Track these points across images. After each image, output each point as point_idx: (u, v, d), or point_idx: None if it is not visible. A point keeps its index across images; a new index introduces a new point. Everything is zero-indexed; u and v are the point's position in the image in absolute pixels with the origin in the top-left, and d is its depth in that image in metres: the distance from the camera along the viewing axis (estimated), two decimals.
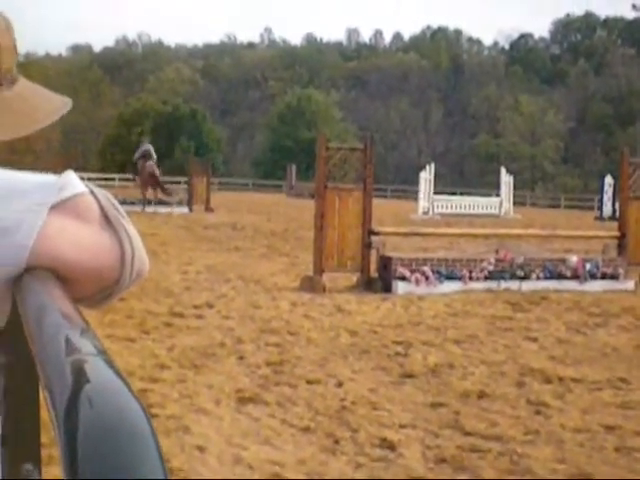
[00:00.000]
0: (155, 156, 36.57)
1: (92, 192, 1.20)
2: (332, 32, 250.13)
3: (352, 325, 10.43)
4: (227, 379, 7.47)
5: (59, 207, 1.15)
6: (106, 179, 57.83)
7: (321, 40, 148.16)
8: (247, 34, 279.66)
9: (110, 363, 0.65)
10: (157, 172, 35.38)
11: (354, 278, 14.15)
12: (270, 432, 6.01)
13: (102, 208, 1.19)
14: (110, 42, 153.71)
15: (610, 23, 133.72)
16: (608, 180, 49.36)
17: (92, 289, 1.20)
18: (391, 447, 5.75)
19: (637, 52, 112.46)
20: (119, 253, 1.18)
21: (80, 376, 0.62)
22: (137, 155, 37.53)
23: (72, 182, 1.19)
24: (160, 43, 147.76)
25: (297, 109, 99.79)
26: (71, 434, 0.56)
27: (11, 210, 1.12)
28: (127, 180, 63.62)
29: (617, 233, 15.93)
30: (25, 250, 1.10)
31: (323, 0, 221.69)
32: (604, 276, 14.92)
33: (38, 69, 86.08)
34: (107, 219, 1.19)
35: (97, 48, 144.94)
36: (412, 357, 8.65)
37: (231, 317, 10.76)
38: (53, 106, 1.52)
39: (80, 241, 1.15)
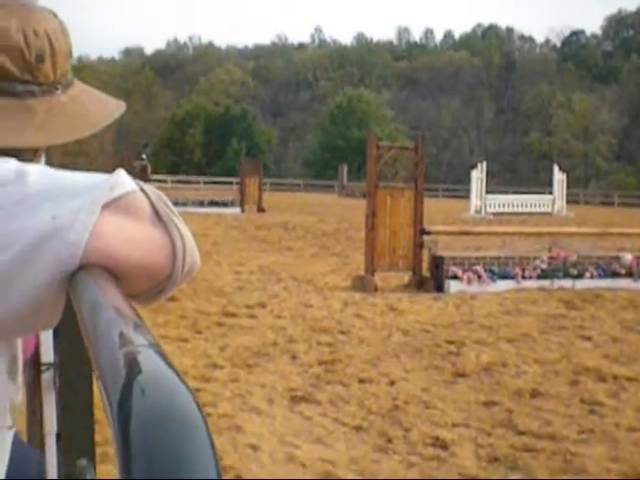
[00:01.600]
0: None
1: (143, 190, 1.23)
2: (382, 31, 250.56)
3: (404, 324, 10.42)
4: (279, 378, 7.50)
5: (111, 205, 1.17)
6: (159, 180, 58.23)
7: (371, 39, 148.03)
8: (297, 34, 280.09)
9: (162, 354, 0.67)
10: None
11: (406, 277, 14.14)
12: (322, 431, 6.03)
13: (153, 205, 1.21)
14: (161, 45, 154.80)
15: None
16: None
17: (145, 285, 1.22)
18: (443, 446, 5.74)
19: None
20: (171, 249, 1.20)
21: (133, 367, 0.64)
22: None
23: (123, 181, 1.21)
24: (211, 45, 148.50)
25: (348, 109, 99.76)
26: (125, 423, 0.57)
27: (64, 209, 1.14)
28: (180, 182, 64.23)
29: None
30: (79, 248, 1.12)
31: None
32: None
33: (91, 73, 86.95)
34: (158, 216, 1.21)
35: (149, 51, 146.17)
36: (465, 356, 8.62)
37: (283, 317, 10.79)
38: (107, 110, 1.55)
39: (132, 238, 1.17)
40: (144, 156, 50.34)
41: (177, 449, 0.54)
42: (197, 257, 1.27)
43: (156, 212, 1.21)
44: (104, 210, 1.16)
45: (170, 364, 0.64)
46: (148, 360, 0.65)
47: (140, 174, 41.85)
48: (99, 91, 1.60)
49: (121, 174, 1.22)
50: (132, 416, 0.57)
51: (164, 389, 0.60)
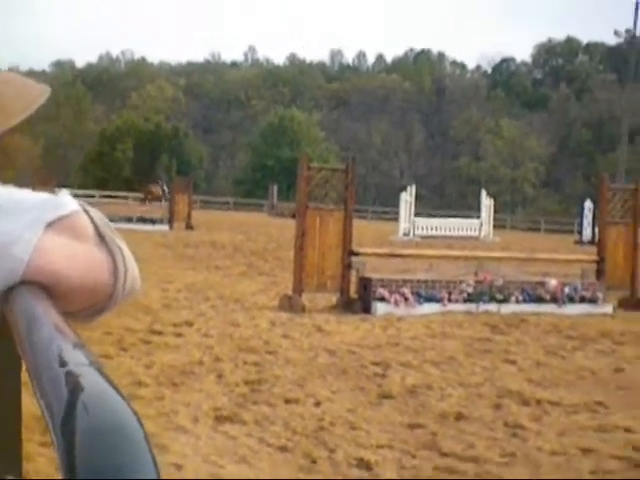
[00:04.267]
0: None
1: (86, 211, 1.24)
2: (316, 53, 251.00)
3: (331, 345, 10.44)
4: (205, 397, 7.47)
5: (55, 224, 1.18)
6: (86, 196, 57.76)
7: (304, 60, 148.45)
8: (231, 53, 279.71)
9: (103, 372, 0.68)
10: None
11: (334, 298, 14.18)
12: (247, 451, 6.01)
13: (95, 225, 1.23)
14: (93, 58, 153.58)
15: (592, 48, 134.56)
16: (588, 204, 49.67)
17: (86, 303, 1.23)
18: (368, 467, 5.77)
19: (618, 78, 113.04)
20: (112, 268, 1.22)
21: (75, 385, 0.65)
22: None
23: (67, 201, 1.22)
24: (143, 60, 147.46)
25: (279, 129, 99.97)
26: (69, 439, 0.59)
27: (10, 225, 1.15)
28: (108, 197, 63.71)
29: (596, 257, 16.04)
30: (22, 263, 1.13)
31: (307, 21, 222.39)
32: (583, 300, 15.01)
33: None
34: (101, 237, 1.22)
35: (80, 64, 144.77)
36: (390, 378, 8.67)
37: (210, 335, 10.76)
38: (29, 98, 1.53)
39: (75, 256, 1.18)
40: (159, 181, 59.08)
41: (120, 463, 0.55)
42: (138, 278, 1.28)
43: (98, 232, 1.22)
44: (48, 228, 1.17)
45: (111, 382, 0.66)
46: (89, 378, 0.67)
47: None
48: (23, 77, 1.57)
49: (65, 194, 1.23)
50: (76, 433, 0.59)
51: (106, 406, 0.61)
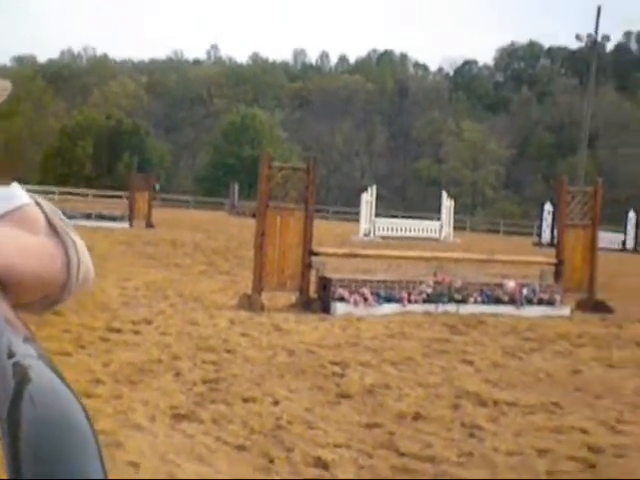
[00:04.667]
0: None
1: (38, 203, 1.23)
2: (279, 52, 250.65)
3: (290, 344, 10.44)
4: (163, 395, 7.44)
5: (6, 217, 1.17)
6: (45, 192, 57.34)
7: (267, 59, 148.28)
8: (194, 51, 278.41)
9: (51, 366, 0.68)
10: None
11: (293, 298, 14.18)
12: (204, 449, 6.00)
13: (47, 217, 1.22)
14: (55, 54, 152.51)
15: (554, 52, 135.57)
16: (547, 207, 50.12)
17: (38, 295, 1.22)
18: (325, 467, 5.77)
19: (580, 82, 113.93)
20: (65, 259, 1.21)
21: (22, 377, 0.65)
22: None
23: (18, 194, 1.22)
24: (105, 56, 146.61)
25: (241, 127, 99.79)
26: (15, 430, 0.58)
27: None
28: (68, 194, 63.30)
29: (554, 260, 16.14)
30: None
31: (271, 19, 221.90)
32: (541, 301, 15.10)
33: None
34: (52, 228, 1.22)
35: (42, 59, 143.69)
36: (349, 377, 8.68)
37: (168, 334, 10.72)
38: None
39: (27, 248, 1.17)
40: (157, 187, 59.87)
41: (65, 454, 0.55)
42: (91, 268, 1.28)
43: (50, 224, 1.22)
44: None
45: (59, 375, 0.65)
46: (37, 370, 0.66)
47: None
48: None
49: (16, 187, 1.23)
50: (22, 424, 0.58)
51: (53, 398, 0.61)
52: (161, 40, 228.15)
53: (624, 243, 50.77)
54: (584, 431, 7.07)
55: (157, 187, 66.82)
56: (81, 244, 1.26)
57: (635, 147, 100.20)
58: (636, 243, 51.72)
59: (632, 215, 51.97)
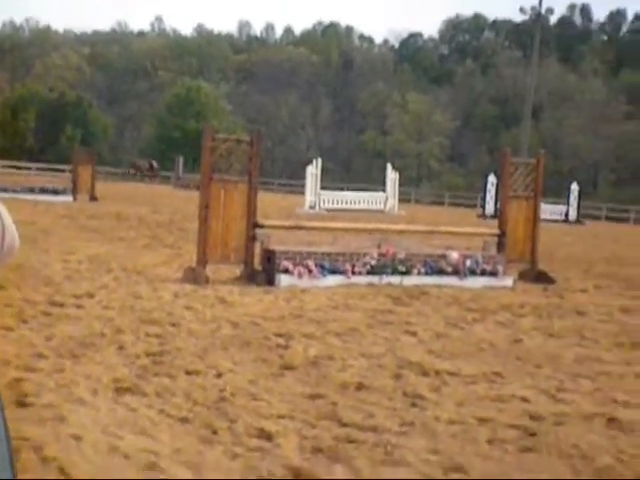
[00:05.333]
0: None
1: None
2: (223, 24, 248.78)
3: (234, 317, 10.43)
4: (106, 369, 7.40)
5: None
6: None
7: (212, 31, 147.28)
8: (138, 22, 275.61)
9: None
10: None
11: (238, 270, 14.16)
12: (147, 422, 5.98)
13: None
14: None
15: (498, 25, 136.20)
16: (491, 179, 50.50)
17: None
18: (268, 438, 5.78)
19: (524, 54, 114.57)
20: None
21: None
22: None
23: None
24: (48, 28, 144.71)
25: (186, 100, 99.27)
26: None
27: None
28: (10, 167, 62.55)
29: (497, 231, 16.26)
30: None
31: None
32: (484, 272, 15.22)
33: None
34: None
35: None
36: (292, 349, 8.70)
37: (112, 307, 10.65)
38: None
39: None
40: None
41: None
42: (16, 236, 1.27)
43: None
44: None
45: None
46: None
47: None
48: None
49: None
50: None
51: None
52: (104, 11, 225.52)
53: (567, 214, 51.33)
54: (525, 400, 7.15)
55: (155, 165, 68.97)
56: (5, 213, 1.25)
57: (578, 119, 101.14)
58: (578, 214, 52.33)
59: (574, 187, 52.54)
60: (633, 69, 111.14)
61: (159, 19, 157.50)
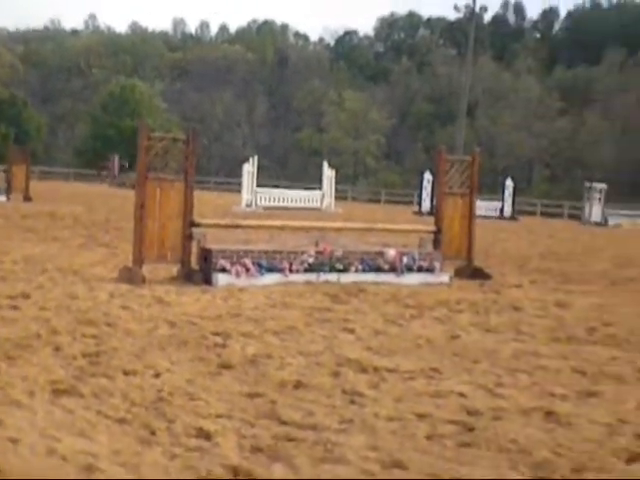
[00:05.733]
0: None
1: None
2: (158, 21, 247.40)
3: (171, 316, 10.38)
4: (42, 371, 7.32)
5: None
6: None
7: (147, 29, 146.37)
8: (72, 20, 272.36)
9: None
10: None
11: (174, 270, 14.10)
12: (85, 424, 5.93)
13: None
14: None
15: (433, 23, 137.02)
16: (427, 176, 50.92)
17: None
18: (207, 437, 5.76)
19: (458, 52, 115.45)
20: None
21: None
22: None
23: None
24: None
25: (120, 98, 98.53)
26: None
27: None
28: None
29: (433, 228, 16.37)
30: None
31: None
32: (420, 269, 15.32)
33: None
34: None
35: None
36: (230, 348, 8.68)
37: (47, 308, 10.54)
38: None
39: None
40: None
41: None
42: None
43: None
44: None
45: None
46: None
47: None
48: None
49: None
50: None
51: None
52: (37, 9, 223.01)
53: (502, 210, 51.84)
54: (463, 395, 7.20)
55: (126, 165, 68.36)
56: None
57: (513, 117, 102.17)
58: (513, 210, 52.89)
59: (509, 183, 53.10)
60: (566, 66, 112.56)
61: (93, 17, 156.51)
